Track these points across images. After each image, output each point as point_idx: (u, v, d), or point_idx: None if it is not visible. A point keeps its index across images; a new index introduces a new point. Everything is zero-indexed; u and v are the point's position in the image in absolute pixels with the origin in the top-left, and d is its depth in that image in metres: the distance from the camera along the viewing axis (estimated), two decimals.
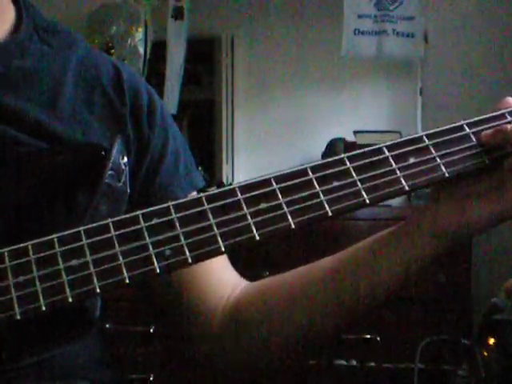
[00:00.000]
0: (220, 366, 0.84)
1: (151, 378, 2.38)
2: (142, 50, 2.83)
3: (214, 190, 0.64)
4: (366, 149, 0.68)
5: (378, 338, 2.31)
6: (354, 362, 2.32)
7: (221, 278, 0.84)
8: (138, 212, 0.63)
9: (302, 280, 0.79)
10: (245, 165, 3.01)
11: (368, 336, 2.30)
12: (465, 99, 2.62)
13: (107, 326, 2.15)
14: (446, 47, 2.80)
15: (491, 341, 1.64)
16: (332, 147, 2.72)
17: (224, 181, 2.96)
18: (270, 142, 2.98)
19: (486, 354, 1.66)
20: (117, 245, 0.61)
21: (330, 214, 0.64)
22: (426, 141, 0.69)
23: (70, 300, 0.59)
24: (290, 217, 0.63)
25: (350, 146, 2.60)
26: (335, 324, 0.78)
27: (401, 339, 2.30)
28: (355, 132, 2.69)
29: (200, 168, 2.62)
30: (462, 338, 2.02)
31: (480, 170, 0.70)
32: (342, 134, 2.75)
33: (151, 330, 2.34)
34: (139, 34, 2.83)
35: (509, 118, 0.70)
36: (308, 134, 2.88)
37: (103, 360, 0.83)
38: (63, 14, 2.80)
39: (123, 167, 0.73)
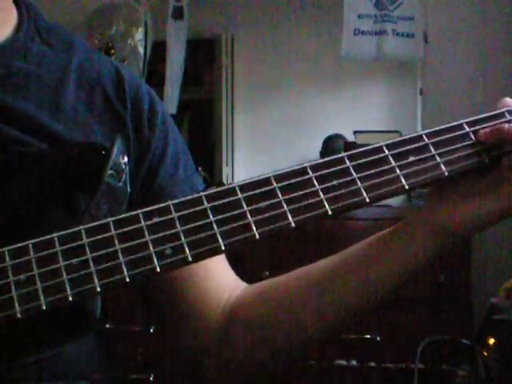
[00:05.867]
0: (218, 368, 0.84)
1: (151, 378, 2.38)
2: (142, 50, 2.83)
3: (213, 189, 0.64)
4: (366, 148, 0.68)
5: (378, 338, 2.31)
6: (354, 362, 2.32)
7: (220, 280, 0.84)
8: (139, 211, 0.63)
9: (300, 282, 0.79)
10: (245, 165, 3.01)
11: (368, 336, 2.30)
12: (465, 99, 2.62)
13: (107, 325, 2.15)
14: (445, 47, 2.80)
15: (491, 341, 1.64)
16: (329, 144, 2.72)
17: (224, 181, 2.96)
18: (269, 141, 2.99)
19: (485, 353, 1.66)
20: (117, 243, 0.61)
21: (329, 212, 0.64)
22: (426, 139, 0.69)
23: (71, 299, 0.59)
24: (290, 215, 0.63)
25: (349, 146, 2.60)
26: (334, 326, 0.78)
27: (401, 339, 2.30)
28: (355, 132, 2.70)
29: (200, 168, 2.62)
30: (461, 338, 2.02)
31: (478, 169, 0.70)
32: (342, 133, 2.75)
33: (151, 330, 2.34)
34: (139, 34, 2.83)
35: (508, 117, 0.70)
36: (308, 134, 2.89)
37: (103, 360, 0.83)
38: (63, 14, 2.80)
39: (123, 167, 0.73)
